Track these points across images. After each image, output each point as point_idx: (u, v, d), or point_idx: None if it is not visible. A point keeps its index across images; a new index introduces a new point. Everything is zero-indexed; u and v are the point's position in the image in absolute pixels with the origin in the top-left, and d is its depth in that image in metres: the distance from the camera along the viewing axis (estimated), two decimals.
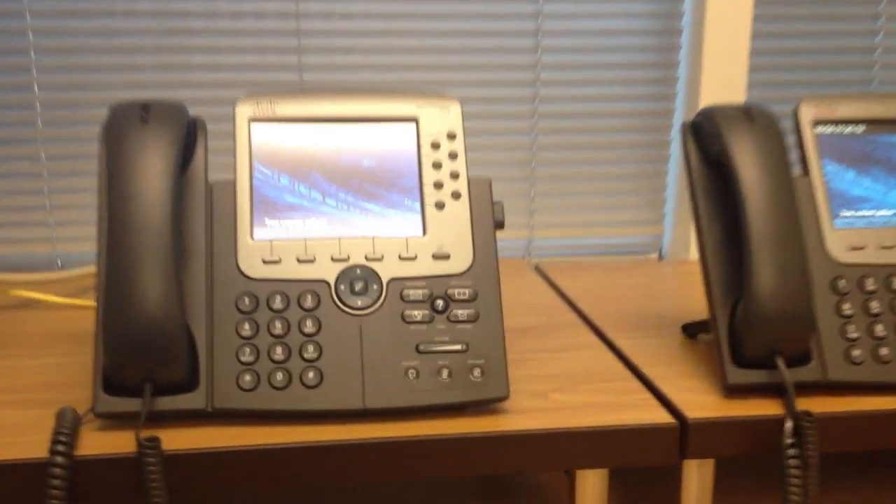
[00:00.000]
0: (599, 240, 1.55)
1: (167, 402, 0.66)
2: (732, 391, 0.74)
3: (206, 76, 1.22)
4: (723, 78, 1.32)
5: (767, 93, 1.41)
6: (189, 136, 0.72)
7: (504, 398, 0.69)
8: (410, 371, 0.69)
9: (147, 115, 0.69)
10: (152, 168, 0.67)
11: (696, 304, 0.92)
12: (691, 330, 0.88)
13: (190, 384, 0.67)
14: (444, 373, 0.69)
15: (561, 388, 0.75)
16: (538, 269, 1.15)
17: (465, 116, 0.76)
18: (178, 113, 0.71)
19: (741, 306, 0.73)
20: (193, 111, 0.73)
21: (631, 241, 1.58)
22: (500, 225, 0.75)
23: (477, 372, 0.69)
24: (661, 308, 0.98)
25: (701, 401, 0.73)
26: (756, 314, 0.71)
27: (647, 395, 0.74)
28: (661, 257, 1.58)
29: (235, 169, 0.73)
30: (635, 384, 0.77)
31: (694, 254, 1.44)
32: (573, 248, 1.54)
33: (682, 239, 1.45)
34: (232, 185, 0.72)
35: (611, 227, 1.53)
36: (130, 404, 0.65)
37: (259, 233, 0.71)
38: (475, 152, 1.36)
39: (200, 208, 0.71)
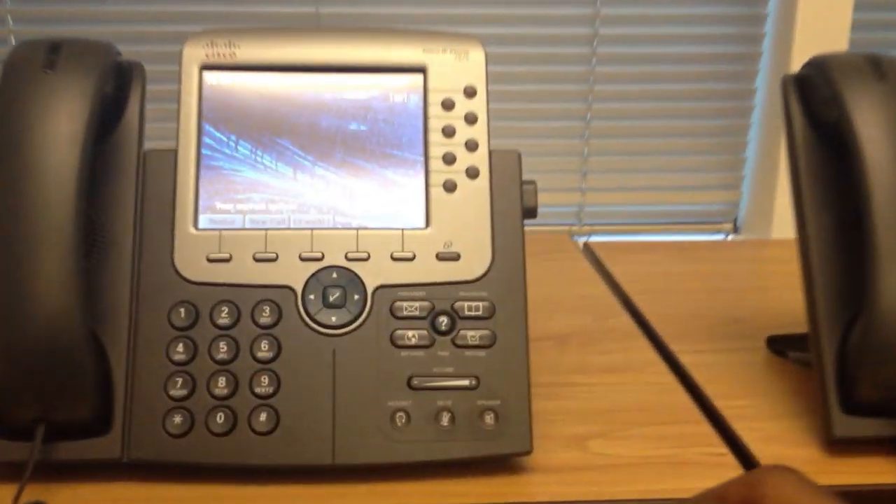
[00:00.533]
0: (662, 206, 1.34)
1: (68, 450, 0.49)
2: (839, 446, 0.55)
3: (206, 8, 1.04)
4: (822, 14, 1.10)
5: (877, 35, 1.17)
6: (118, 88, 0.55)
7: (526, 453, 0.51)
8: (399, 414, 0.51)
9: (55, 58, 0.51)
10: (54, 130, 0.49)
11: (784, 305, 0.73)
12: (780, 345, 0.68)
13: (99, 425, 0.50)
14: (445, 417, 0.51)
15: (605, 433, 0.57)
16: (587, 250, 0.95)
17: (505, 59, 0.57)
18: (98, 56, 0.53)
19: (859, 328, 0.54)
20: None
21: (700, 208, 1.37)
22: (531, 213, 0.56)
23: (489, 417, 0.51)
24: (740, 308, 0.78)
25: (794, 457, 0.54)
26: (881, 340, 0.53)
27: (722, 449, 0.55)
28: (735, 229, 1.37)
29: (178, 132, 0.55)
30: (705, 428, 0.58)
31: (779, 230, 1.24)
32: (631, 215, 1.34)
33: (764, 209, 1.24)
34: (172, 155, 0.54)
35: (677, 191, 1.33)
36: (19, 451, 0.48)
37: (205, 220, 0.53)
38: (518, 102, 1.16)
39: (128, 185, 0.54)
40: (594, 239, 1.38)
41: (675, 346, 0.70)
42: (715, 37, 1.21)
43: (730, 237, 1.39)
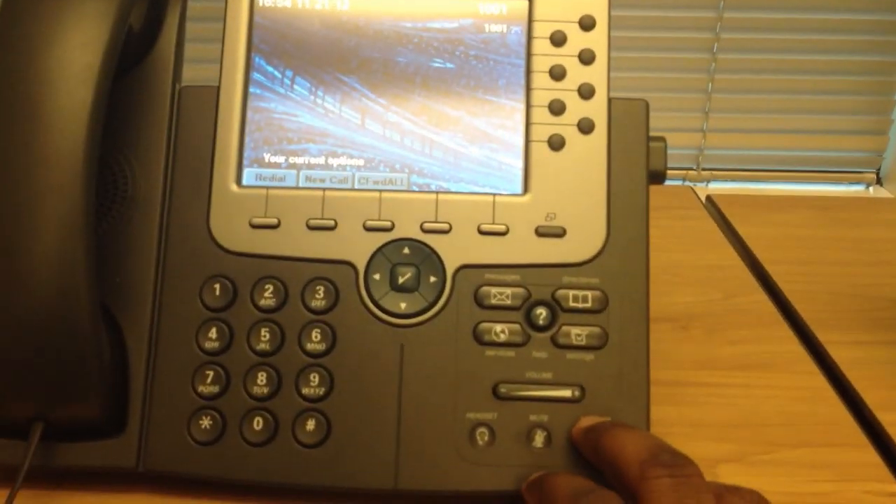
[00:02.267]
0: (792, 152, 1.20)
1: (72, 454, 0.40)
2: None
3: None
4: None
5: None
6: (150, 9, 0.45)
7: None
8: (481, 430, 0.40)
9: None
10: (63, 60, 0.39)
11: None
12: None
13: (111, 426, 0.41)
14: (539, 436, 0.40)
15: (740, 456, 0.45)
16: (711, 204, 0.82)
17: None
18: None
19: None
20: None
21: (837, 155, 1.21)
22: (657, 178, 0.44)
23: None
24: None
25: None
26: None
27: (894, 486, 0.44)
28: (878, 180, 1.21)
29: (221, 66, 0.44)
30: (870, 455, 0.46)
31: None
32: (757, 160, 1.20)
33: None
34: (212, 93, 0.44)
35: (810, 135, 1.17)
36: (14, 452, 0.39)
37: (250, 175, 0.43)
38: (632, 30, 1.01)
39: (157, 130, 0.44)
40: (714, 186, 1.25)
41: (823, 336, 0.57)
42: None
43: (871, 189, 1.24)
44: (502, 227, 0.42)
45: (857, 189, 1.27)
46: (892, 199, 1.04)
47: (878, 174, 1.21)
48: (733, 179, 1.26)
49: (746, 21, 1.09)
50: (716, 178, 1.24)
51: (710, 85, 1.11)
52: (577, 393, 0.41)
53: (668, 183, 0.46)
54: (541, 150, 0.43)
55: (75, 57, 0.39)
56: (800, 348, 0.56)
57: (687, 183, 1.20)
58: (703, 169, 1.18)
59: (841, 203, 0.85)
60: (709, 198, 0.84)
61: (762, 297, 0.63)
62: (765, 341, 0.57)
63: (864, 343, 0.57)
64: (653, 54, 1.09)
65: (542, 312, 0.41)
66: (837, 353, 0.55)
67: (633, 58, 1.07)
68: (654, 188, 0.44)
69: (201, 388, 0.41)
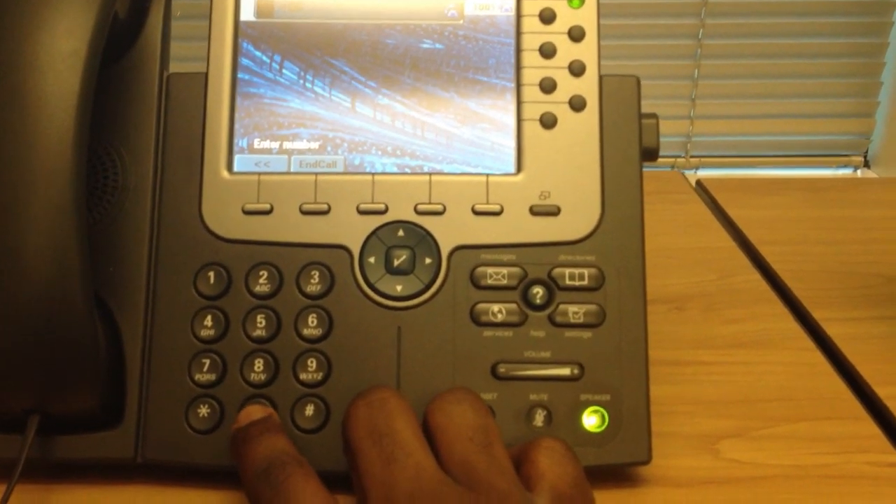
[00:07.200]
0: (780, 137, 1.20)
1: (69, 447, 0.40)
2: None
3: None
4: None
5: None
6: None
7: (643, 463, 0.40)
8: None
9: None
10: (49, 48, 0.39)
11: None
12: None
13: (108, 417, 0.40)
14: (539, 415, 0.40)
15: (741, 431, 0.45)
16: (701, 188, 0.82)
17: None
18: None
19: None
20: None
21: (825, 139, 1.22)
22: (650, 155, 0.44)
23: (595, 417, 0.40)
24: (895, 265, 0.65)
25: None
26: None
27: (894, 457, 0.44)
28: (866, 163, 1.22)
29: (209, 51, 0.44)
30: (869, 427, 0.46)
31: None
32: (745, 146, 1.20)
33: None
34: (201, 80, 0.44)
35: (798, 119, 1.18)
36: (11, 445, 0.39)
37: (241, 161, 0.43)
38: (618, 17, 1.02)
39: (146, 118, 0.43)
40: (703, 173, 1.26)
41: (818, 313, 0.57)
42: None
43: (859, 172, 1.24)
44: (496, 207, 0.42)
45: (845, 172, 1.28)
46: (881, 180, 1.04)
47: (865, 157, 1.21)
48: (722, 166, 1.26)
49: (731, 6, 1.09)
50: (704, 165, 1.24)
51: (696, 71, 1.12)
52: (576, 371, 0.41)
53: (657, 170, 0.46)
54: (533, 128, 0.43)
55: (62, 43, 0.39)
56: (795, 325, 0.56)
57: (676, 170, 1.21)
58: (692, 156, 1.18)
59: (829, 184, 0.85)
60: (699, 182, 0.84)
61: (756, 277, 0.63)
62: (760, 319, 0.57)
63: (858, 319, 0.57)
64: (638, 42, 1.09)
65: (538, 291, 0.41)
66: (832, 330, 0.55)
67: (617, 45, 1.08)
68: (644, 174, 0.44)
69: (198, 377, 0.40)
